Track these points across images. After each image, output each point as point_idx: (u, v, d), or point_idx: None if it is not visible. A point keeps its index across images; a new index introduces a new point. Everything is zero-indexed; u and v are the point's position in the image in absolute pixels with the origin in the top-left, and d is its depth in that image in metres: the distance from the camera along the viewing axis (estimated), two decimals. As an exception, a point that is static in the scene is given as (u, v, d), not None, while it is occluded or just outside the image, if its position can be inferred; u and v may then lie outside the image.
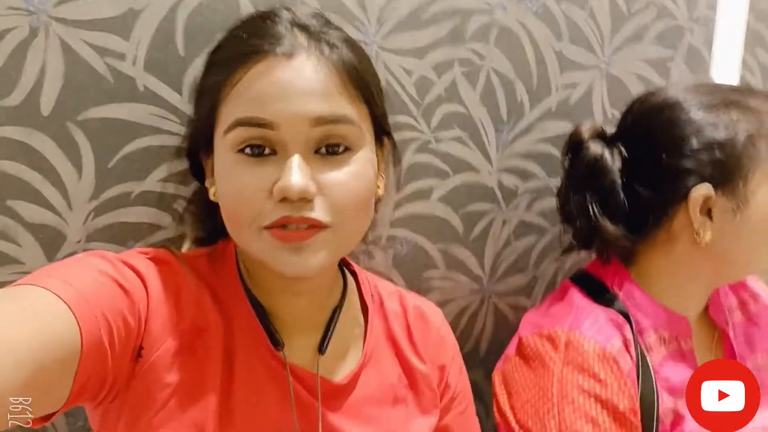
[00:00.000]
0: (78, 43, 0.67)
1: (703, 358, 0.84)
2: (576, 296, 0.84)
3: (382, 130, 0.66)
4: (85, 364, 0.47)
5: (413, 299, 0.77)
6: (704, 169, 0.77)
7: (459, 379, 0.77)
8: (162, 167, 0.72)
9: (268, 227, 0.55)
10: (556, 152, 0.99)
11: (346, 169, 0.57)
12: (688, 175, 0.78)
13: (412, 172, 0.88)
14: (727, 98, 0.79)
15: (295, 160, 0.54)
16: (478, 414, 1.02)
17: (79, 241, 0.69)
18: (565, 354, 0.76)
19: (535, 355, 0.80)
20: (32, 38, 0.65)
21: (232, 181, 0.56)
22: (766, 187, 0.76)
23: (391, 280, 0.89)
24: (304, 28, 0.59)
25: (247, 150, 0.55)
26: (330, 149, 0.57)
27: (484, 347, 1.01)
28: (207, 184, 0.65)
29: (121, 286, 0.52)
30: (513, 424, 0.78)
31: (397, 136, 0.85)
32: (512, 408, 0.79)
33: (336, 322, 0.68)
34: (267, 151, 0.56)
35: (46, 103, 0.66)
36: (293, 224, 0.55)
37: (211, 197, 0.63)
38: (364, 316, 0.72)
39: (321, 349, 0.65)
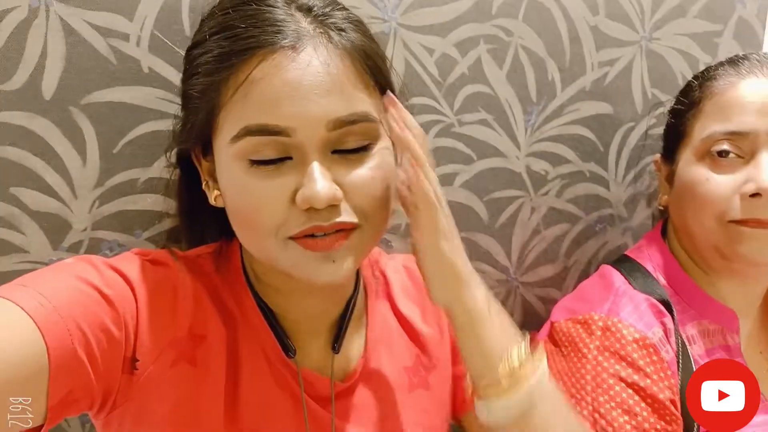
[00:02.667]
0: (79, 23, 0.64)
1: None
2: (616, 279, 0.79)
3: None
4: (57, 379, 0.44)
5: (410, 261, 0.71)
6: None
7: None
8: (170, 153, 0.69)
9: (295, 237, 0.51)
10: (591, 135, 0.93)
11: (367, 166, 0.53)
12: None
13: (433, 157, 0.82)
14: None
15: (317, 168, 0.50)
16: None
17: (84, 230, 0.67)
18: (602, 340, 0.71)
19: (568, 341, 0.75)
20: (32, 19, 0.62)
21: (247, 193, 0.51)
22: None
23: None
24: (305, 9, 0.52)
25: (260, 159, 0.50)
26: (348, 149, 0.52)
27: (511, 340, 0.97)
28: (205, 187, 0.58)
29: (104, 295, 0.49)
30: None
31: (418, 119, 0.80)
32: None
33: (350, 319, 0.63)
34: (282, 156, 0.51)
35: (48, 87, 0.64)
36: (321, 232, 0.51)
37: (212, 202, 0.57)
38: (365, 301, 0.67)
39: (335, 347, 0.61)
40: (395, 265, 0.71)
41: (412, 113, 0.72)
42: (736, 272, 0.75)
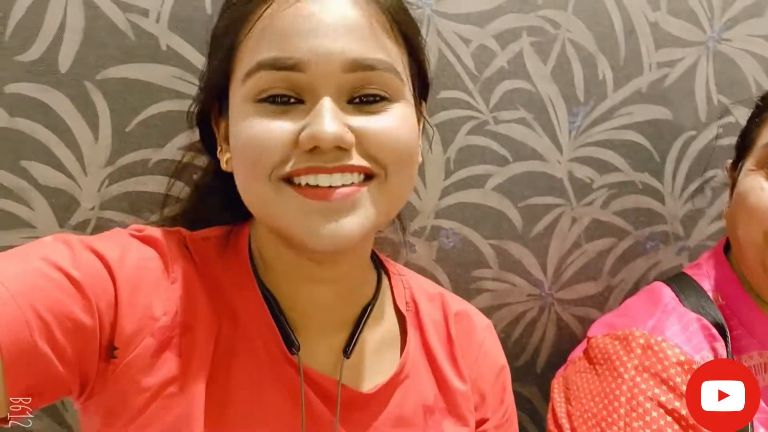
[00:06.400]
0: (99, -4, 0.63)
1: None
2: (665, 295, 0.71)
3: (423, 87, 0.57)
4: (13, 371, 0.41)
5: (457, 304, 0.67)
6: None
7: (501, 406, 0.66)
8: (183, 134, 0.67)
9: (291, 177, 0.47)
10: (645, 142, 0.84)
11: (385, 116, 0.49)
12: None
13: (463, 156, 0.77)
14: None
15: (327, 104, 0.46)
16: (532, 435, 0.91)
17: (92, 208, 0.66)
18: (641, 359, 0.64)
19: (603, 357, 0.68)
20: (53, -10, 0.62)
21: (250, 130, 0.47)
22: None
23: (434, 277, 0.79)
24: None
25: (270, 99, 0.48)
26: (365, 98, 0.49)
27: (543, 361, 0.89)
28: (219, 154, 0.56)
29: (73, 280, 0.45)
30: None
31: (448, 114, 0.76)
32: (569, 415, 0.68)
33: (366, 322, 0.58)
34: (293, 100, 0.48)
35: (65, 60, 0.63)
36: (325, 177, 0.47)
37: (224, 167, 0.55)
38: (400, 325, 0.62)
39: (346, 351, 0.56)
40: (429, 293, 0.66)
41: (442, 107, 0.68)
42: None
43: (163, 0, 0.64)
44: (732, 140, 0.88)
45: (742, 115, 0.87)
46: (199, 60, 0.66)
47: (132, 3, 0.64)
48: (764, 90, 0.86)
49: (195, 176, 0.68)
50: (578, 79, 0.79)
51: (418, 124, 0.57)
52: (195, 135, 0.66)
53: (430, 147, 0.75)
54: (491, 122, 0.77)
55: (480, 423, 0.63)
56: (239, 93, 0.49)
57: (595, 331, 0.73)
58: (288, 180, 0.48)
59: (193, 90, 0.66)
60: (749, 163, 0.70)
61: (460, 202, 0.78)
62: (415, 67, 0.54)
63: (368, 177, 0.49)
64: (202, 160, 0.66)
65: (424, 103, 0.59)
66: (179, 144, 0.67)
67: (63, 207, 0.65)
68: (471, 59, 0.75)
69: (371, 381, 0.57)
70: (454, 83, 0.75)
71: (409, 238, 0.78)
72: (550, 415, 0.72)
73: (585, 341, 0.74)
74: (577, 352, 0.75)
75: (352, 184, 0.48)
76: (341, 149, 0.47)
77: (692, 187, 0.89)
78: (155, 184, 0.67)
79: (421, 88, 0.57)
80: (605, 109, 0.82)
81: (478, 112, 0.77)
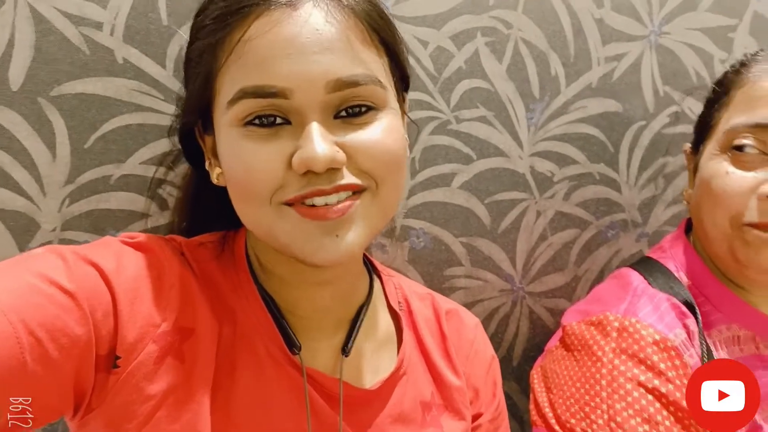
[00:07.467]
0: (50, 11, 0.61)
1: None
2: (634, 279, 0.73)
3: (403, 84, 0.57)
4: (5, 389, 0.39)
5: (446, 303, 0.68)
6: None
7: (493, 400, 0.67)
8: (144, 148, 0.65)
9: (291, 202, 0.48)
10: (599, 134, 0.88)
11: (373, 128, 0.49)
12: None
13: (428, 155, 0.78)
14: None
15: (315, 128, 0.46)
16: (513, 430, 0.91)
17: (54, 230, 0.63)
18: (618, 342, 0.65)
19: (580, 343, 0.69)
20: (-1, 6, 0.60)
21: (241, 157, 0.48)
22: None
23: (407, 277, 0.79)
24: None
25: (256, 122, 0.47)
26: (351, 111, 0.49)
27: (518, 355, 0.90)
28: (207, 167, 0.56)
29: (67, 293, 0.44)
30: (552, 423, 0.67)
31: (411, 115, 0.77)
32: (552, 405, 0.69)
33: (362, 321, 0.59)
34: (279, 120, 0.48)
35: (16, 77, 0.61)
36: (321, 197, 0.47)
37: (214, 181, 0.55)
38: (395, 324, 0.63)
39: (345, 350, 0.56)
40: (419, 294, 0.67)
41: (407, 109, 0.67)
42: (754, 281, 0.69)
43: (117, 12, 0.63)
44: (677, 128, 0.93)
45: (687, 104, 0.92)
46: (157, 71, 0.65)
47: (84, 16, 0.62)
48: (704, 78, 0.92)
49: (159, 190, 0.66)
50: (532, 76, 0.82)
51: (402, 121, 0.58)
52: (157, 148, 0.66)
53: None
54: (453, 122, 0.79)
55: (475, 417, 0.64)
56: (225, 118, 0.49)
57: (569, 318, 0.75)
58: (287, 202, 0.48)
59: (153, 102, 0.65)
60: (711, 147, 0.71)
61: (428, 202, 0.79)
62: (396, 70, 0.55)
63: (360, 190, 0.50)
64: (171, 174, 0.65)
65: (406, 95, 0.59)
66: (141, 158, 0.65)
67: (22, 230, 0.62)
68: (430, 61, 0.76)
69: (371, 379, 0.58)
70: (415, 84, 0.76)
71: (380, 240, 0.78)
72: (532, 406, 0.72)
73: (560, 330, 0.76)
74: (553, 341, 0.77)
75: (346, 199, 0.48)
76: (334, 169, 0.47)
77: (646, 175, 0.92)
78: (118, 200, 0.65)
79: (403, 85, 0.58)
80: (560, 104, 0.84)
81: (439, 112, 0.78)
